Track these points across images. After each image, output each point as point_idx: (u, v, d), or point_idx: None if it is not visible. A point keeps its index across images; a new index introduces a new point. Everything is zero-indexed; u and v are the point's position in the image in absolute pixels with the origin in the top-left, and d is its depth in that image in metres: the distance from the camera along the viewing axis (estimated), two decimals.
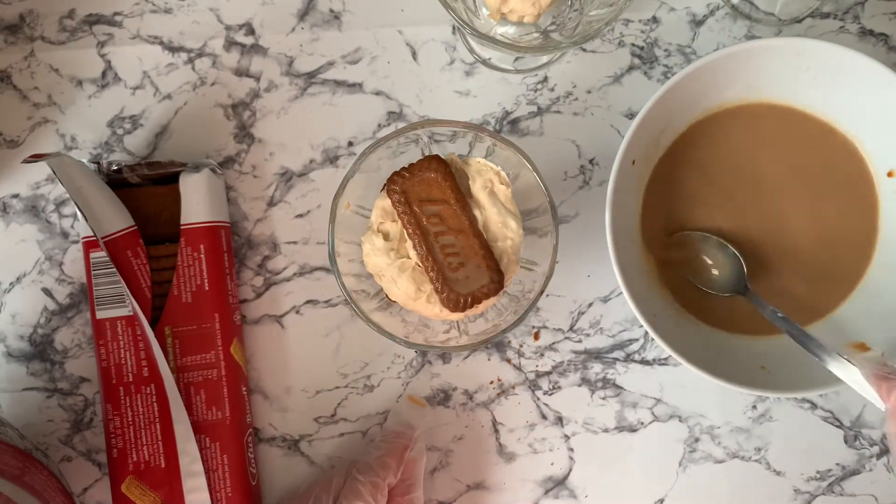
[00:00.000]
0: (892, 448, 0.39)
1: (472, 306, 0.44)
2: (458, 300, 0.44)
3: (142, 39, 0.53)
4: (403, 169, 0.45)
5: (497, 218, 0.45)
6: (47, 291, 0.52)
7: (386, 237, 0.46)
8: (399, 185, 0.45)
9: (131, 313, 0.49)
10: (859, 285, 0.50)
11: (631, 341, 0.53)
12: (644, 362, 0.53)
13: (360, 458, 0.49)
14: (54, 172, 0.47)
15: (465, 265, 0.44)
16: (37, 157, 0.46)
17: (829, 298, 0.50)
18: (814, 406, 0.53)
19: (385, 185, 0.47)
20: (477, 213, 0.45)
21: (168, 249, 0.49)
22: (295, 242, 0.53)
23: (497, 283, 0.44)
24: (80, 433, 0.52)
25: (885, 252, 0.50)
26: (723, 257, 0.50)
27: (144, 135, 0.53)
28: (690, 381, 0.53)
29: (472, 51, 0.53)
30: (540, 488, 0.53)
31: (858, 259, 0.50)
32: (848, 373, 0.42)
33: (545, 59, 0.53)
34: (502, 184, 0.46)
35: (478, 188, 0.45)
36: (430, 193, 0.45)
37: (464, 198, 0.45)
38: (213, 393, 0.49)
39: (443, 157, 0.46)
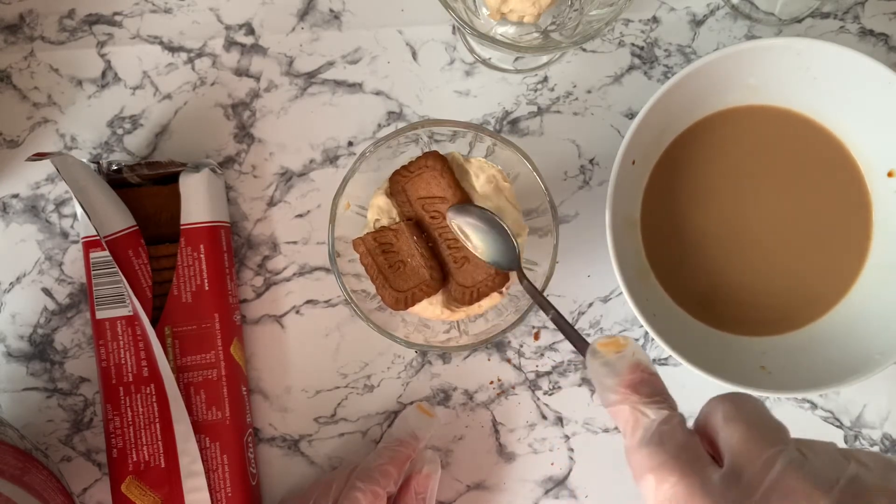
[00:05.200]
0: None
1: (478, 299, 0.45)
2: (463, 294, 0.45)
3: (142, 39, 0.53)
4: (403, 167, 0.45)
5: (506, 213, 0.45)
6: (47, 291, 0.52)
7: None
8: (400, 183, 0.45)
9: (131, 313, 0.49)
10: (855, 285, 0.50)
11: None
12: None
13: (362, 462, 0.49)
14: (58, 171, 0.47)
15: (470, 260, 0.45)
16: (40, 156, 0.46)
17: (826, 298, 0.50)
18: (814, 406, 0.53)
19: (384, 183, 0.47)
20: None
21: (168, 249, 0.49)
22: (295, 242, 0.53)
23: (503, 275, 0.44)
24: (80, 433, 0.52)
25: (879, 252, 0.50)
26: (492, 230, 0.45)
27: (144, 135, 0.53)
28: (690, 381, 0.53)
29: (472, 51, 0.53)
30: (540, 488, 0.53)
31: (852, 260, 0.50)
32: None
33: (545, 59, 0.53)
34: (505, 182, 0.46)
35: (482, 183, 0.45)
36: (430, 190, 0.45)
37: (464, 193, 0.45)
38: (213, 393, 0.49)
39: (443, 154, 0.46)
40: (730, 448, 0.29)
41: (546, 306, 0.41)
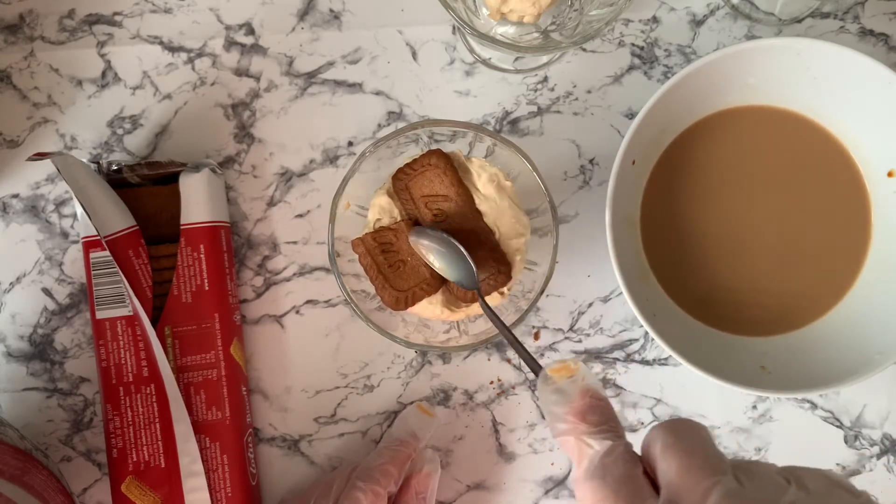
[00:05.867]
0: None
1: (482, 297, 0.45)
2: (466, 292, 0.45)
3: (142, 39, 0.53)
4: (406, 165, 0.45)
5: (509, 212, 0.45)
6: (47, 291, 0.52)
7: None
8: (403, 181, 0.45)
9: (131, 313, 0.49)
10: (854, 285, 0.50)
11: (631, 341, 0.53)
12: (644, 362, 0.53)
13: (362, 462, 0.49)
14: (58, 171, 0.47)
15: (473, 257, 0.45)
16: (41, 156, 0.46)
17: (826, 298, 0.50)
18: (814, 406, 0.53)
19: (385, 183, 0.47)
20: (485, 207, 0.45)
21: (168, 249, 0.49)
22: (295, 242, 0.53)
23: (505, 273, 0.44)
24: (80, 433, 0.52)
25: (879, 252, 0.50)
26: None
27: (144, 135, 0.53)
28: (690, 381, 0.53)
29: (472, 51, 0.53)
30: (540, 488, 0.53)
31: (852, 260, 0.50)
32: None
33: (545, 59, 0.53)
34: (506, 181, 0.46)
35: (484, 182, 0.46)
36: (433, 189, 0.45)
37: (467, 191, 0.45)
38: (213, 393, 0.49)
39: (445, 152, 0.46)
40: (667, 480, 0.29)
41: (505, 331, 0.41)
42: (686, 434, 0.30)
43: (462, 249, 0.43)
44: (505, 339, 0.41)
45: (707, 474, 0.28)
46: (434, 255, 0.44)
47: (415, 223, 0.45)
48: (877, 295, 0.49)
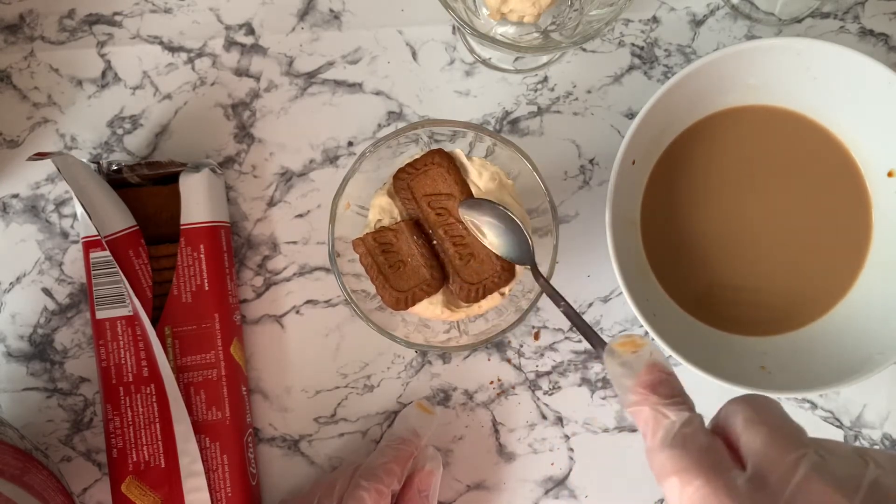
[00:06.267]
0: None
1: (483, 296, 0.45)
2: (468, 292, 0.45)
3: (142, 39, 0.53)
4: (408, 165, 0.45)
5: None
6: (47, 291, 0.52)
7: None
8: (405, 181, 0.45)
9: (131, 313, 0.49)
10: (855, 285, 0.50)
11: None
12: None
13: (365, 461, 0.49)
14: (59, 171, 0.47)
15: (475, 256, 0.45)
16: (41, 156, 0.46)
17: (826, 297, 0.51)
18: (814, 406, 0.53)
19: (385, 183, 0.47)
20: None
21: (168, 249, 0.49)
22: (295, 242, 0.53)
23: (508, 271, 0.44)
24: (80, 433, 0.52)
25: (879, 252, 0.50)
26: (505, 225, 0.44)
27: (144, 135, 0.53)
28: (690, 381, 0.52)
29: (472, 51, 0.53)
30: (540, 488, 0.53)
31: (852, 260, 0.50)
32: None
33: (545, 59, 0.53)
34: (507, 179, 0.46)
35: (486, 180, 0.46)
36: (435, 187, 0.45)
37: (469, 190, 0.45)
38: (213, 393, 0.49)
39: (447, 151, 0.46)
40: (753, 452, 0.29)
41: (558, 300, 0.41)
42: (766, 408, 0.31)
43: (519, 222, 0.43)
44: (565, 315, 0.40)
45: (792, 447, 0.29)
46: (488, 227, 0.44)
47: (415, 223, 0.45)
48: (877, 295, 0.49)
